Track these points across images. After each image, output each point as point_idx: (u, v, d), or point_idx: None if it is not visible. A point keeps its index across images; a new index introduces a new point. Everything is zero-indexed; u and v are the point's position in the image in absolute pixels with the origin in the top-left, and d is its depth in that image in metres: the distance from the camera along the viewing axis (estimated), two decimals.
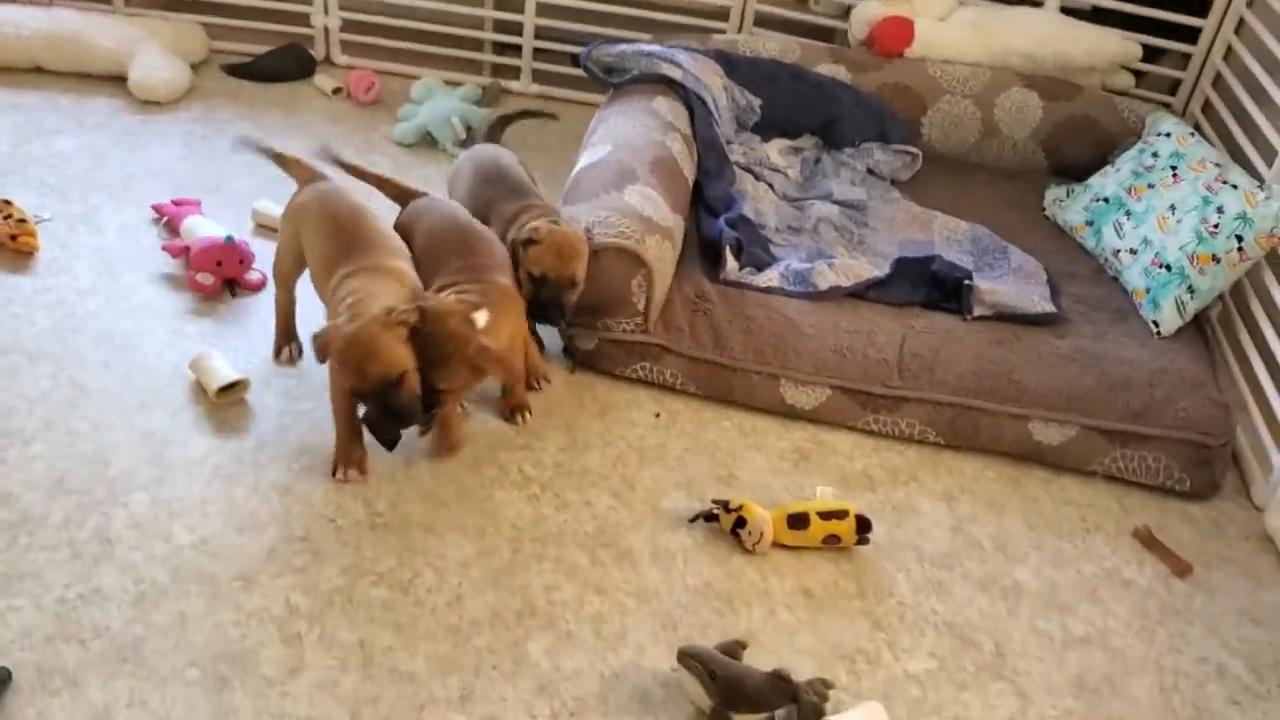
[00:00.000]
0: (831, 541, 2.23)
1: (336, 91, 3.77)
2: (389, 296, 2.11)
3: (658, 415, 2.56)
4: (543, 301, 2.39)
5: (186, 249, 2.75)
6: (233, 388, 2.38)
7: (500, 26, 3.98)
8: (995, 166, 3.48)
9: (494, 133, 3.01)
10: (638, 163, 2.72)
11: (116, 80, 3.62)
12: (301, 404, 2.43)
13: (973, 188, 3.33)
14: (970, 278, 2.69)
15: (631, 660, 1.96)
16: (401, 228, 2.44)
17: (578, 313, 2.54)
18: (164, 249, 2.79)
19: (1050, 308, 2.71)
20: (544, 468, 2.37)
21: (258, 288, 2.74)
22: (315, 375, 2.44)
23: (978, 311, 2.67)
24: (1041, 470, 2.57)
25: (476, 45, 3.99)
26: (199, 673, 1.83)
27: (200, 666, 1.84)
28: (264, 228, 2.99)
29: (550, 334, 2.71)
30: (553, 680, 1.90)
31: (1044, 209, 3.27)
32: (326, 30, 3.91)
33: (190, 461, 2.24)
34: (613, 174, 2.67)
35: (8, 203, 2.81)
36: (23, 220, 2.78)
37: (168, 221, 2.93)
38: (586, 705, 1.87)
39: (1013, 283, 2.82)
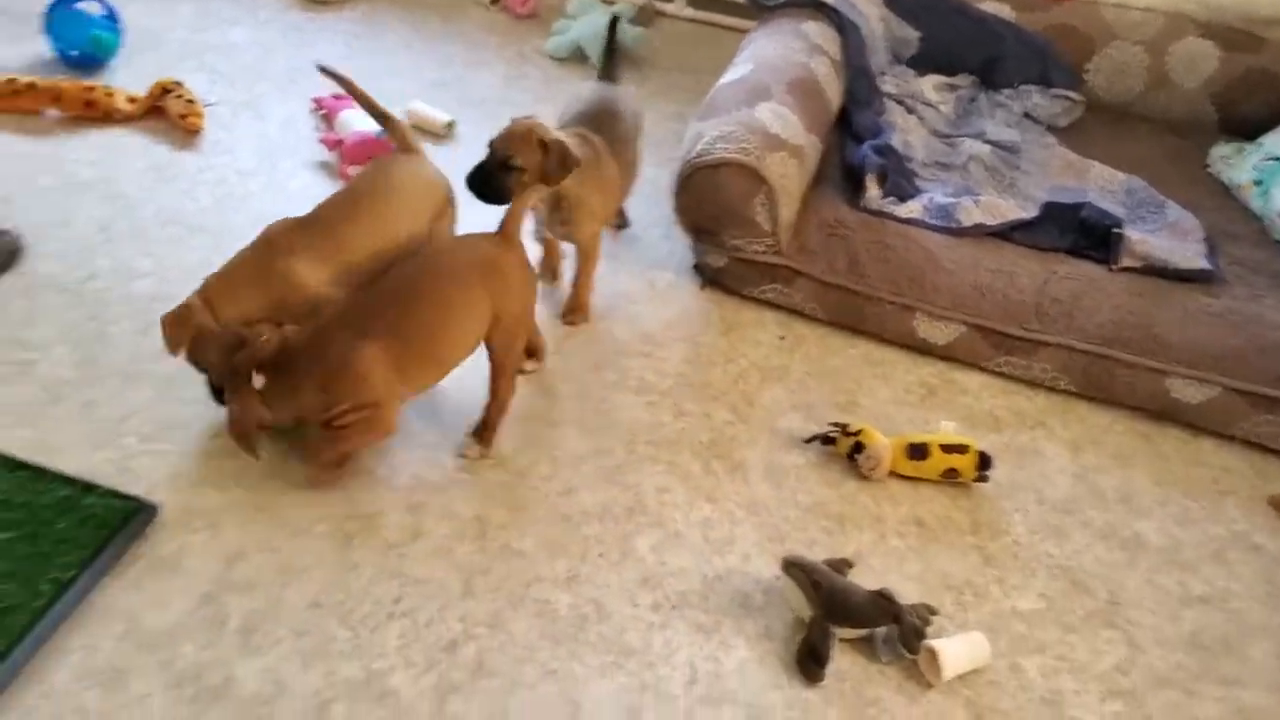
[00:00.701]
0: (950, 475, 2.21)
1: (494, 2, 3.82)
2: (239, 302, 2.04)
3: (782, 338, 2.56)
4: (475, 170, 2.16)
5: (340, 142, 2.85)
6: None
7: None
8: (1160, 119, 3.31)
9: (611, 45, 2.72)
10: (774, 81, 2.68)
11: None
12: None
13: (1133, 139, 3.18)
14: (1120, 226, 2.59)
15: (736, 566, 1.99)
16: None
17: (701, 230, 2.54)
18: (320, 141, 2.90)
19: (1205, 265, 2.58)
20: (665, 377, 2.39)
21: None
22: None
23: (1125, 262, 2.57)
24: (1176, 429, 2.48)
25: None
26: (327, 528, 1.93)
27: (329, 523, 1.94)
28: (417, 128, 3.07)
29: (684, 251, 2.72)
30: (657, 574, 1.95)
31: (1207, 165, 3.11)
32: None
33: None
34: (747, 91, 2.65)
35: (179, 83, 2.95)
36: (191, 101, 2.93)
37: (326, 114, 3.04)
38: (687, 601, 1.91)
39: (1167, 237, 2.70)
